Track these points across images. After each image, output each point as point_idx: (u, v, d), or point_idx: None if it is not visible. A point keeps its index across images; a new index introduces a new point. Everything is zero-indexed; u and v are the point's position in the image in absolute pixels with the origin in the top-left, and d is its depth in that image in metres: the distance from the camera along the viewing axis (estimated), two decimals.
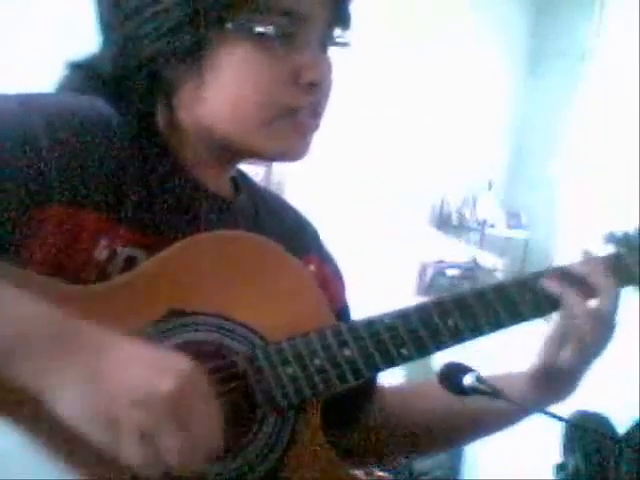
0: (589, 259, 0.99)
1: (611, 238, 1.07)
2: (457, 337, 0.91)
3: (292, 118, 0.87)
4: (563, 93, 3.90)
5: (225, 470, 0.81)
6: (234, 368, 0.83)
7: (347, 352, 0.86)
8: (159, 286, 0.81)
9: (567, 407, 1.08)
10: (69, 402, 0.68)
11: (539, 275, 0.97)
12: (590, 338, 0.97)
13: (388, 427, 1.04)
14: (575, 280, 0.97)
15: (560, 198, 4.09)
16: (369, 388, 1.03)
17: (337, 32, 0.90)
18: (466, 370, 0.90)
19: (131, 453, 0.67)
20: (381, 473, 2.96)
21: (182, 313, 0.81)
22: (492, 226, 4.06)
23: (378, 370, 0.90)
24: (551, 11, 3.98)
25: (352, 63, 3.31)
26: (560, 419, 0.92)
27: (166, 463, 0.68)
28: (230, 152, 0.90)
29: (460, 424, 1.04)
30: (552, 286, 0.96)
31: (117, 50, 0.87)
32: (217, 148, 0.89)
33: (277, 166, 3.27)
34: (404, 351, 0.88)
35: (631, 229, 1.07)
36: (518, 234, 4.24)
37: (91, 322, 0.71)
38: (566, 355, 0.97)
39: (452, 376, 0.91)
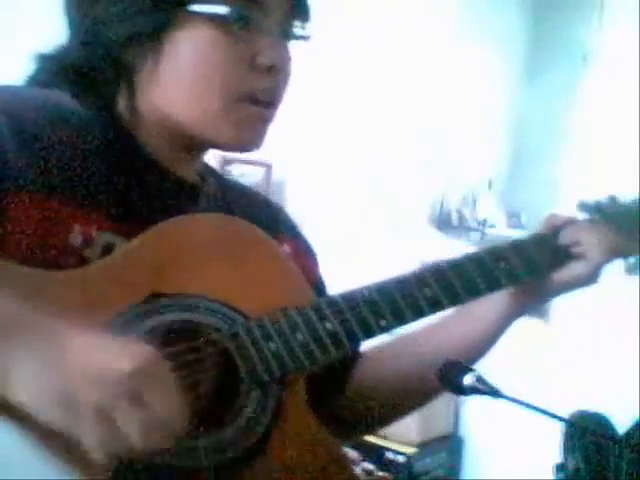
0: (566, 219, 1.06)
1: (583, 206, 1.11)
2: (435, 306, 0.94)
3: (248, 105, 0.88)
4: (564, 93, 3.90)
5: (210, 443, 0.82)
6: (217, 345, 0.84)
7: (328, 325, 0.88)
8: (139, 270, 0.83)
9: (567, 407, 1.08)
10: (28, 387, 0.68)
11: (513, 244, 1.05)
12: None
13: (367, 393, 1.06)
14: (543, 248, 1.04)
15: (560, 198, 4.09)
16: (354, 356, 1.06)
17: (297, 24, 0.92)
18: (466, 370, 0.90)
19: (88, 432, 0.67)
20: (381, 473, 2.96)
21: (163, 295, 0.82)
22: (492, 226, 4.05)
23: (359, 341, 0.93)
24: (551, 12, 3.98)
25: (353, 63, 3.31)
26: (560, 419, 0.92)
27: (124, 442, 0.68)
28: (188, 138, 0.91)
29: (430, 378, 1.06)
30: (566, 238, 1.03)
31: (83, 36, 0.89)
32: (175, 134, 0.90)
33: (277, 166, 3.27)
34: (383, 322, 0.90)
35: (603, 198, 1.11)
36: (518, 234, 4.24)
37: (49, 313, 0.72)
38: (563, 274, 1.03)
39: (452, 376, 0.91)
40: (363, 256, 3.19)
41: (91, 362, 0.68)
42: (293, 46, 0.93)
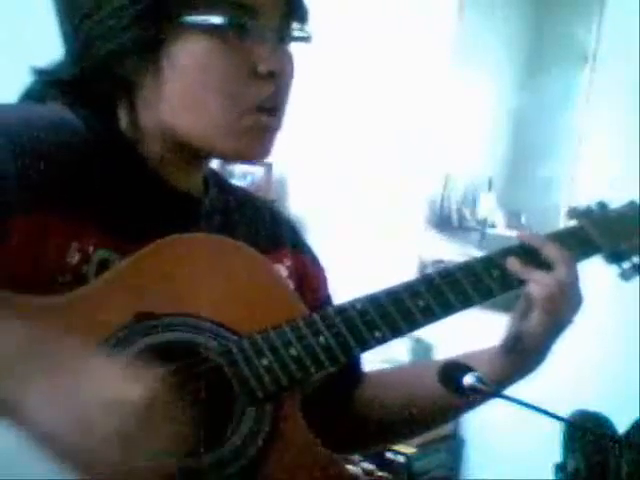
0: (535, 236, 1.05)
1: (573, 213, 1.13)
2: (429, 316, 0.93)
3: (253, 115, 0.87)
4: (564, 93, 3.89)
5: (205, 464, 0.82)
6: (209, 363, 0.84)
7: (322, 339, 0.87)
8: (125, 292, 0.82)
9: (567, 407, 1.08)
10: (48, 416, 0.68)
11: (504, 252, 1.03)
12: (553, 306, 1.00)
13: (367, 415, 1.07)
14: (533, 255, 1.02)
15: (560, 198, 4.09)
16: (355, 375, 1.06)
17: (295, 26, 0.90)
18: (466, 370, 0.90)
19: (106, 455, 0.69)
20: (381, 473, 2.95)
21: (150, 316, 0.81)
22: (492, 226, 4.05)
23: (354, 354, 0.92)
24: (551, 12, 3.97)
25: (353, 62, 3.30)
26: (560, 419, 0.92)
27: (140, 462, 0.69)
28: (194, 151, 0.90)
29: (430, 411, 1.06)
30: (514, 266, 1.00)
31: (77, 52, 0.87)
32: (181, 146, 0.89)
33: (277, 165, 3.27)
34: (378, 334, 0.90)
35: (593, 203, 1.13)
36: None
37: (58, 335, 0.72)
38: (531, 323, 1.00)
39: (452, 376, 0.91)
40: (363, 255, 3.19)
41: (105, 391, 0.69)
42: (295, 47, 0.92)
